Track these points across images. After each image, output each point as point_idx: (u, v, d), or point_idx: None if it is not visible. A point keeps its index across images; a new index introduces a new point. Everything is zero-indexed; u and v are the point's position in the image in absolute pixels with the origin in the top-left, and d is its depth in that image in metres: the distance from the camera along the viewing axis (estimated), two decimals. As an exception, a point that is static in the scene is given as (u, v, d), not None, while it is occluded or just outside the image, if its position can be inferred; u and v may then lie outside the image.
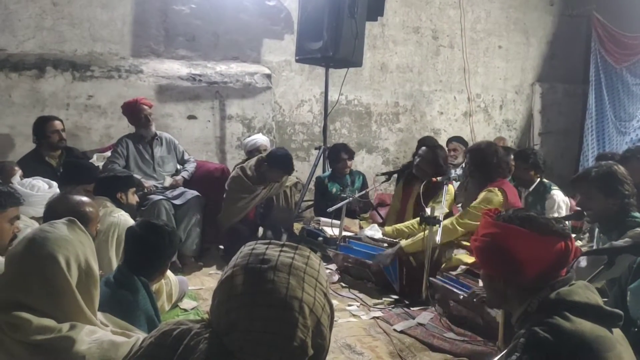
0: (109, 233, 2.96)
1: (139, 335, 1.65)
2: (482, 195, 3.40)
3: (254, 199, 4.36)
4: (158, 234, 2.44)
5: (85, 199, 2.57)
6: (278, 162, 4.30)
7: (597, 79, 6.74)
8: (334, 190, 5.11)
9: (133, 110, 4.42)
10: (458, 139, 5.85)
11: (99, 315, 1.74)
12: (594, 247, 2.81)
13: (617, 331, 1.42)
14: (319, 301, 1.10)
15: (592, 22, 6.83)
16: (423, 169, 4.12)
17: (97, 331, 1.56)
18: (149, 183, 4.24)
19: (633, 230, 2.54)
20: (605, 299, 2.20)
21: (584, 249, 2.71)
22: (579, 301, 1.40)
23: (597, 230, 2.94)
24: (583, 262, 2.53)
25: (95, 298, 1.65)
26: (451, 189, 3.97)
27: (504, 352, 1.48)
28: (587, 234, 3.53)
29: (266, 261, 1.10)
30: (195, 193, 4.28)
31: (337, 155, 5.14)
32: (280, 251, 1.13)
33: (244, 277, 1.09)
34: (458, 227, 3.40)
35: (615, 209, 2.67)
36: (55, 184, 3.26)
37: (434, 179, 3.99)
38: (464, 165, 5.41)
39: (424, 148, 4.25)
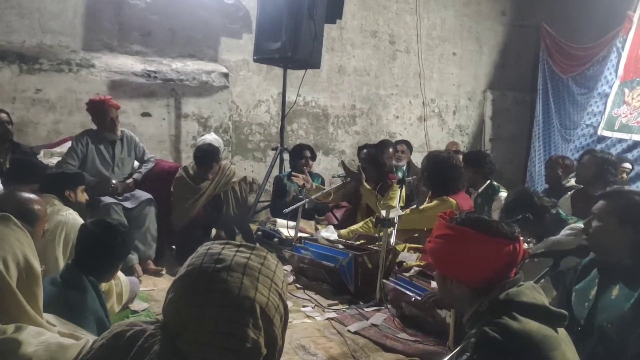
0: (56, 232, 2.86)
1: (89, 337, 1.60)
2: (434, 202, 3.55)
3: (200, 197, 4.32)
4: (112, 234, 2.38)
5: (33, 196, 2.46)
6: (196, 157, 4.33)
7: (545, 88, 6.98)
8: (292, 190, 5.10)
9: (99, 111, 4.11)
10: (405, 142, 6.07)
11: (47, 316, 1.67)
12: None
13: (561, 331, 1.48)
14: (273, 301, 1.08)
15: (541, 33, 7.07)
16: (367, 171, 4.33)
17: (44, 333, 1.50)
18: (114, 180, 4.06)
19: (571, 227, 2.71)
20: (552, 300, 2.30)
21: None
22: (526, 302, 1.46)
23: None
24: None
25: (38, 297, 1.58)
26: (403, 192, 4.07)
27: (455, 351, 1.52)
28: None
29: (221, 261, 1.08)
30: (148, 195, 4.15)
31: (301, 152, 5.15)
32: (237, 251, 1.11)
33: (196, 277, 1.06)
34: (409, 219, 3.60)
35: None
36: (-2, 180, 3.13)
37: (389, 181, 4.10)
38: (404, 167, 5.67)
39: (364, 151, 4.49)
